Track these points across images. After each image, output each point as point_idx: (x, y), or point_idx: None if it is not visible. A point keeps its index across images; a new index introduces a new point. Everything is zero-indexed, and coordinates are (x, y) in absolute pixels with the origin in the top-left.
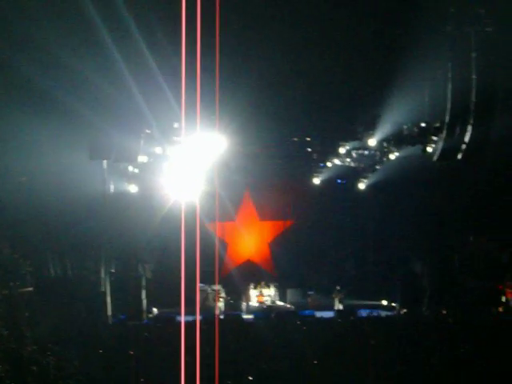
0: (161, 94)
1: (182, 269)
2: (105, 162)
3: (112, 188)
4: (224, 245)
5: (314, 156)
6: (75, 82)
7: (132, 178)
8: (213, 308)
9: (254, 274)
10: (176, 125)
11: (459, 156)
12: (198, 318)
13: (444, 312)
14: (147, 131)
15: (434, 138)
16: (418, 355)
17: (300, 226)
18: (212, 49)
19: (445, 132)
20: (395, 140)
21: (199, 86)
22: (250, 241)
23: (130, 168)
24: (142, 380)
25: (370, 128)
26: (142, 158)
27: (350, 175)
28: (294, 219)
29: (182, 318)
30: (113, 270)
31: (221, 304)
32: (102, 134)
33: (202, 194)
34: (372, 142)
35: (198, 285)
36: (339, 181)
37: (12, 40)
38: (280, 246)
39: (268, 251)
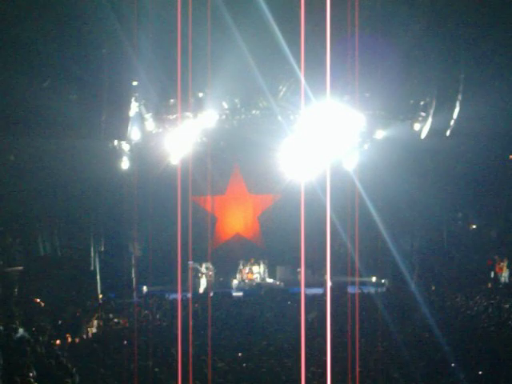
0: (151, 70)
1: (178, 245)
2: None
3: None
4: (213, 219)
5: None
6: (62, 63)
7: (122, 155)
8: (202, 285)
9: (243, 247)
10: (172, 101)
11: (448, 133)
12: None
13: (433, 288)
14: (137, 108)
15: (423, 115)
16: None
17: (288, 200)
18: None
19: (433, 109)
20: (383, 117)
21: (191, 64)
22: (240, 214)
23: (120, 146)
24: (134, 357)
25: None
26: (132, 136)
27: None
28: (282, 193)
29: (179, 295)
30: (102, 249)
31: (204, 281)
32: (89, 110)
33: (193, 169)
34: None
35: (191, 262)
36: None
37: None
38: (269, 220)
39: (257, 225)
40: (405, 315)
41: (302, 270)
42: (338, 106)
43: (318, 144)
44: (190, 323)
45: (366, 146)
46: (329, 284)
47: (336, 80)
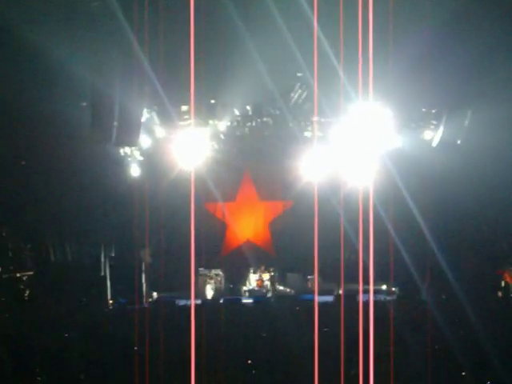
0: (163, 76)
1: (191, 252)
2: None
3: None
4: (224, 226)
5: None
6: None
7: (133, 162)
8: (211, 292)
9: (253, 254)
10: (184, 107)
11: (459, 141)
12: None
13: (443, 297)
14: (147, 114)
15: (434, 123)
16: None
17: (299, 207)
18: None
19: (445, 117)
20: (395, 125)
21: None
22: (250, 221)
23: (132, 152)
24: (145, 363)
25: None
26: (143, 142)
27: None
28: (293, 200)
29: (192, 302)
30: (112, 254)
31: (212, 287)
32: (101, 116)
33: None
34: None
35: (201, 268)
36: None
37: None
38: (280, 226)
39: (268, 231)
40: (416, 323)
41: (316, 277)
42: (350, 113)
43: (331, 151)
44: (202, 329)
45: (378, 153)
46: (341, 291)
47: (348, 87)
